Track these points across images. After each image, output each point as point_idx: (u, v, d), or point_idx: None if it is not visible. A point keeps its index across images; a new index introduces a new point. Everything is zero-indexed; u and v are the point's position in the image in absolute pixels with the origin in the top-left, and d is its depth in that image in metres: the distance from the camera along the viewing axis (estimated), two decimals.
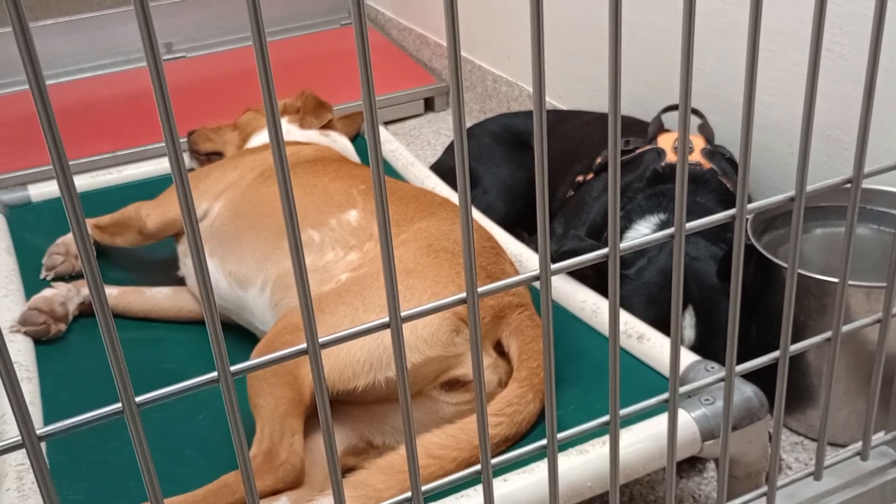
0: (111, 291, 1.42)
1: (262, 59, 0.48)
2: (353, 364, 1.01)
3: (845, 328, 0.82)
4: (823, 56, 1.38)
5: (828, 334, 0.82)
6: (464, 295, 0.60)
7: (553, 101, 2.13)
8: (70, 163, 0.46)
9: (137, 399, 0.53)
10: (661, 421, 0.99)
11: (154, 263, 1.54)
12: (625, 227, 1.37)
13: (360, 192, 1.28)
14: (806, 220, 1.35)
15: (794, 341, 0.79)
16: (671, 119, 1.52)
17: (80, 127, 2.32)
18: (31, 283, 1.44)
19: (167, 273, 1.46)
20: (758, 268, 1.27)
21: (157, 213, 1.43)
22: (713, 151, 1.45)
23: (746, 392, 1.03)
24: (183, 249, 1.44)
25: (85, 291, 1.40)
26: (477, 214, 1.53)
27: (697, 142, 1.46)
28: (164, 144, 0.48)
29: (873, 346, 0.88)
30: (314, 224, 1.23)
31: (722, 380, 0.76)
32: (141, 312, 1.42)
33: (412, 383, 1.03)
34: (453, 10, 0.52)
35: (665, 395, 0.73)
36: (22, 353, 1.27)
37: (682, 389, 0.75)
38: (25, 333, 1.31)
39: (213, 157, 1.71)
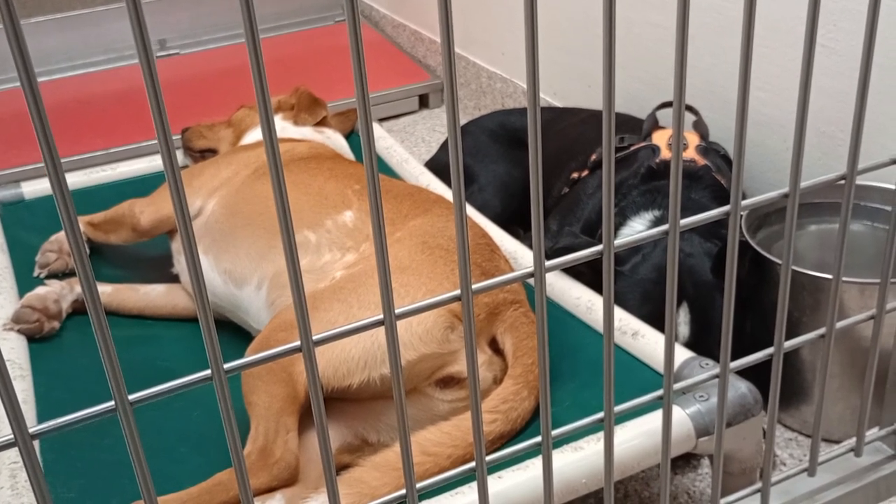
0: (105, 289, 1.42)
1: (255, 56, 0.48)
2: (347, 361, 1.01)
3: (839, 324, 0.82)
4: (818, 52, 1.38)
5: (822, 331, 0.82)
6: (458, 292, 0.60)
7: (548, 97, 2.13)
8: (63, 160, 0.46)
9: (131, 397, 0.53)
10: (656, 417, 0.99)
11: (148, 261, 1.54)
12: (619, 224, 1.37)
13: (355, 192, 1.28)
14: (800, 216, 1.35)
15: (788, 338, 0.79)
16: (666, 116, 1.52)
17: (73, 124, 2.31)
18: (25, 281, 1.44)
19: (161, 270, 1.46)
20: (752, 264, 1.28)
21: (151, 210, 1.43)
22: (708, 148, 1.45)
23: (741, 388, 1.03)
24: (177, 247, 1.44)
25: (78, 289, 1.39)
26: (472, 211, 1.53)
27: (692, 138, 1.46)
28: (157, 142, 0.47)
29: (867, 343, 0.88)
30: (310, 225, 1.23)
31: (716, 376, 0.76)
32: (135, 310, 1.42)
33: (407, 380, 1.03)
34: (447, 7, 0.52)
35: (659, 392, 0.73)
36: (15, 350, 1.27)
37: (677, 386, 0.75)
38: (19, 331, 1.31)
39: (207, 154, 1.71)
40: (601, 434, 0.83)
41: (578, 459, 0.97)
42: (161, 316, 1.42)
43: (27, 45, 0.43)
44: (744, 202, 0.70)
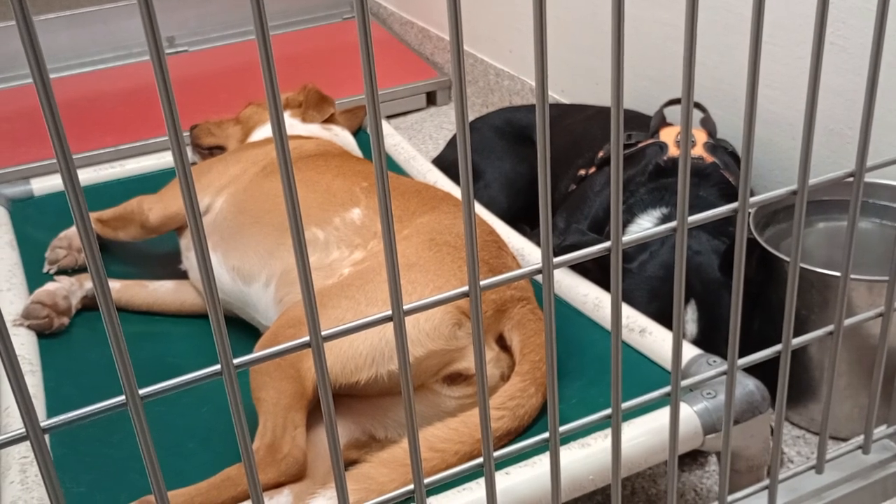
0: (114, 285, 1.42)
1: (265, 53, 0.48)
2: (355, 357, 1.01)
3: (847, 322, 0.82)
4: (826, 50, 1.38)
5: (830, 328, 0.82)
6: (466, 288, 0.60)
7: (555, 94, 2.13)
8: (73, 157, 0.46)
9: (141, 391, 0.53)
10: (663, 414, 0.99)
11: (157, 257, 1.54)
12: (627, 221, 1.37)
13: (363, 189, 1.28)
14: (808, 214, 1.35)
15: (795, 335, 0.79)
16: (673, 113, 1.51)
17: (82, 121, 2.32)
18: (34, 277, 1.44)
19: (170, 267, 1.47)
20: (760, 262, 1.27)
21: (160, 207, 1.44)
22: (715, 145, 1.45)
23: (748, 386, 1.03)
24: (185, 243, 1.44)
25: (88, 285, 1.40)
26: (479, 208, 1.53)
27: (700, 136, 1.46)
28: (166, 139, 0.48)
29: (875, 340, 0.88)
30: (318, 222, 1.23)
31: (724, 373, 0.76)
32: (143, 306, 1.43)
33: (414, 377, 1.04)
34: (456, 5, 0.52)
35: (667, 389, 0.73)
36: (25, 346, 1.27)
37: (684, 383, 0.75)
38: (29, 327, 1.31)
39: (215, 151, 1.71)
40: (608, 431, 0.83)
41: (586, 456, 0.97)
42: (169, 312, 1.43)
43: (39, 43, 0.44)
44: (752, 199, 0.70)
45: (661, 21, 1.75)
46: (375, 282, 1.08)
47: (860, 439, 0.93)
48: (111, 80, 2.60)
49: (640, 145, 1.48)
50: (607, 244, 0.64)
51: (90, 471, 1.07)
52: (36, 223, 1.62)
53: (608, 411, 0.70)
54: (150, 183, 1.62)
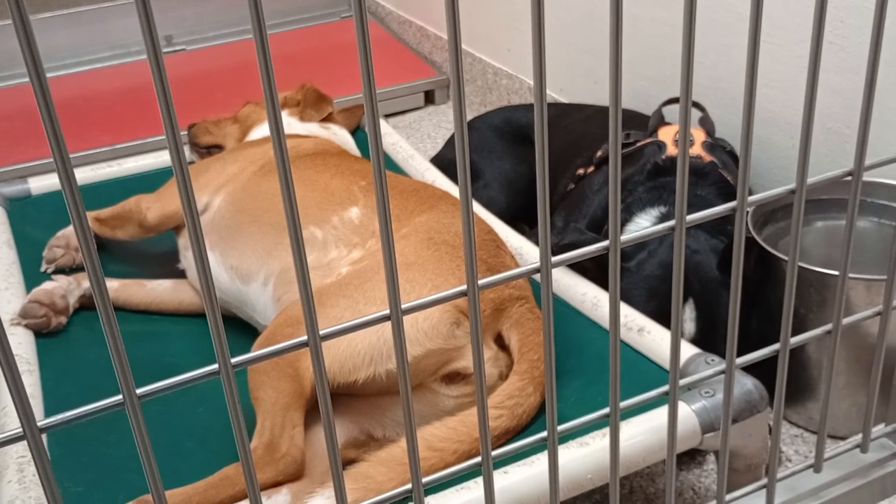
0: (112, 284, 1.42)
1: (262, 52, 0.48)
2: (353, 356, 1.01)
3: (846, 321, 0.82)
4: (825, 49, 1.38)
5: (828, 327, 0.82)
6: (464, 287, 0.60)
7: (554, 94, 2.13)
8: (70, 156, 0.46)
9: (138, 391, 0.53)
10: (662, 413, 0.99)
11: (155, 256, 1.54)
12: (625, 220, 1.37)
13: (361, 188, 1.28)
14: (806, 212, 1.35)
15: (794, 334, 0.79)
16: (672, 112, 1.51)
17: (79, 120, 2.32)
18: (32, 276, 1.44)
19: (168, 266, 1.47)
20: (758, 261, 1.27)
21: (158, 206, 1.43)
22: (714, 144, 1.45)
23: (746, 385, 1.03)
24: (183, 242, 1.44)
25: (85, 284, 1.40)
26: (477, 208, 1.53)
27: (698, 135, 1.46)
28: (163, 137, 0.48)
29: (873, 339, 0.88)
30: (316, 221, 1.23)
31: (722, 372, 0.76)
32: (141, 305, 1.43)
33: (413, 376, 1.04)
34: (454, 3, 0.52)
35: (665, 388, 0.73)
36: (23, 345, 1.27)
37: (683, 382, 0.75)
38: (26, 326, 1.31)
39: (213, 150, 1.71)
40: (607, 430, 0.83)
41: (584, 455, 0.97)
42: (167, 311, 1.43)
43: (36, 42, 0.44)
44: (750, 198, 0.70)
45: (660, 20, 1.74)
46: (374, 281, 1.08)
47: (858, 438, 0.93)
48: (109, 78, 2.60)
49: (638, 144, 1.48)
50: (605, 243, 0.64)
51: (88, 470, 1.07)
52: (33, 222, 1.62)
53: (606, 410, 0.70)
54: (148, 182, 1.62)
